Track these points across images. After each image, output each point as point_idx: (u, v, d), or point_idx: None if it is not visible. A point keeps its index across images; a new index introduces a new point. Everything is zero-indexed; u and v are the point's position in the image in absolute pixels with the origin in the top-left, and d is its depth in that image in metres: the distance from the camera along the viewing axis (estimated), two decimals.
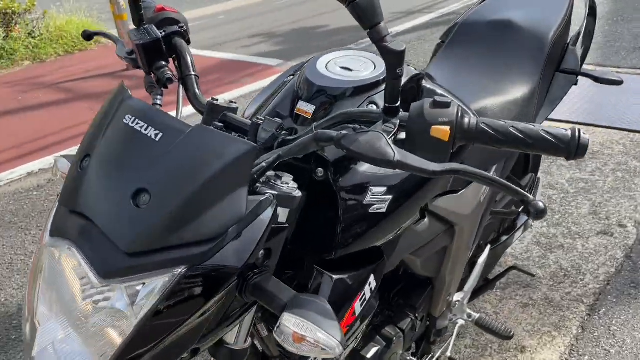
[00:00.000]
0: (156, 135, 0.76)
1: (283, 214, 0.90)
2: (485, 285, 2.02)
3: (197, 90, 1.02)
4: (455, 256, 1.53)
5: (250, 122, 0.92)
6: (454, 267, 1.55)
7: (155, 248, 0.73)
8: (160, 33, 1.04)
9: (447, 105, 0.80)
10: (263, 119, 0.91)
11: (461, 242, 1.51)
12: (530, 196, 0.74)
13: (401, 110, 0.84)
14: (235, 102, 1.00)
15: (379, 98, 1.08)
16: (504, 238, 1.97)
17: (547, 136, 0.78)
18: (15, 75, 5.88)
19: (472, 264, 1.82)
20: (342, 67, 1.12)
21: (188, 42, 1.09)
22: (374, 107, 1.07)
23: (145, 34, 0.98)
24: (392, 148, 0.78)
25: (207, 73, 5.36)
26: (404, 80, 1.13)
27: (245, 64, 5.58)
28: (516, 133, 0.79)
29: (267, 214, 0.80)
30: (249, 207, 0.78)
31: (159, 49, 0.99)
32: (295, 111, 1.08)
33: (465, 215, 1.46)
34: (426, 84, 1.17)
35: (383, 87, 1.09)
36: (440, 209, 1.35)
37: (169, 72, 0.99)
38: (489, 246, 1.82)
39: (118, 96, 0.84)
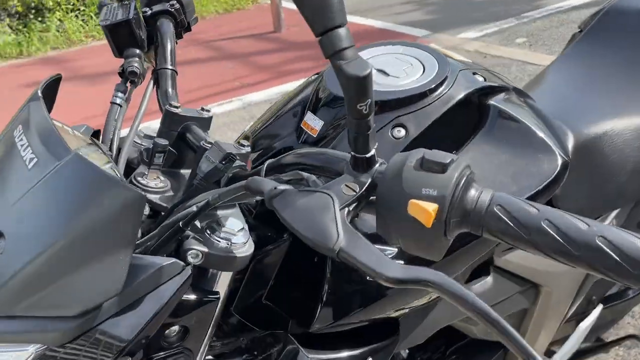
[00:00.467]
0: (31, 160, 0.57)
1: (225, 278, 0.67)
2: (597, 347, 1.59)
3: (169, 89, 0.80)
4: (539, 321, 1.16)
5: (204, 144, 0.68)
6: (536, 333, 1.19)
7: (8, 314, 0.55)
8: (146, 11, 0.84)
9: (442, 167, 0.49)
10: (211, 143, 0.67)
11: (549, 306, 1.14)
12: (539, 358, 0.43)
13: (380, 161, 0.55)
14: (209, 110, 0.77)
15: (413, 119, 0.77)
16: (631, 293, 1.51)
17: (605, 248, 0.44)
18: None
19: (577, 321, 1.41)
20: (378, 70, 0.83)
21: (180, 25, 0.87)
22: (402, 131, 0.77)
23: (117, 12, 0.78)
24: (337, 226, 0.50)
25: None
26: (465, 91, 0.80)
27: (391, 32, 5.25)
28: (551, 232, 0.46)
29: (172, 285, 0.58)
30: (142, 273, 0.56)
31: (130, 32, 0.79)
32: (301, 125, 0.82)
33: (559, 273, 1.09)
34: (497, 102, 0.83)
35: (424, 102, 0.79)
36: (515, 266, 1.01)
37: (135, 64, 0.79)
38: (601, 305, 1.40)
39: (31, 96, 0.66)
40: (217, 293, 0.64)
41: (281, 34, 5.68)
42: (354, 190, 0.52)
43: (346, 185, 0.53)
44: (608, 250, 0.44)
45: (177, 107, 0.73)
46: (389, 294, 0.76)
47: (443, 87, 0.79)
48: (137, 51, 0.80)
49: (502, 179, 0.79)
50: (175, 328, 0.62)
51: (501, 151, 0.80)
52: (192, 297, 0.62)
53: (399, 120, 0.77)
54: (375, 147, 0.54)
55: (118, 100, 0.77)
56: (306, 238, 0.50)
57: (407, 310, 0.84)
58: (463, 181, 0.49)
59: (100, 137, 0.76)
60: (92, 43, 6.24)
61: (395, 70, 0.83)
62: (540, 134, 0.82)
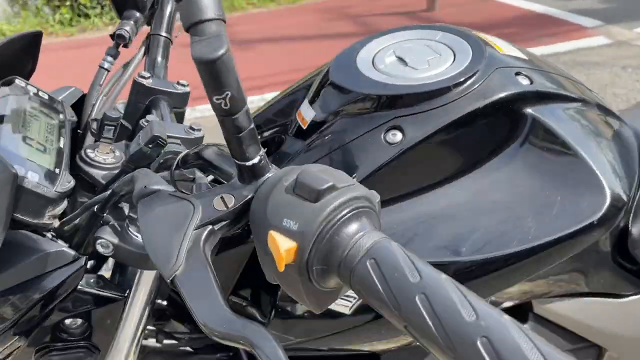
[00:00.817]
0: None
1: (147, 276, 0.60)
2: None
3: (158, 58, 0.73)
4: None
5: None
6: None
7: None
8: None
9: (314, 194, 0.36)
10: (148, 121, 0.59)
11: None
12: None
13: (272, 172, 0.42)
14: (186, 85, 0.69)
15: (415, 122, 0.63)
16: None
17: (486, 356, 0.29)
18: (331, 3, 6.20)
19: None
20: (398, 58, 0.69)
21: None
22: (398, 135, 0.63)
23: None
24: (181, 247, 0.39)
25: (504, 25, 4.73)
26: (494, 95, 0.64)
27: (555, 19, 4.73)
28: (423, 314, 0.32)
29: (59, 274, 0.52)
30: (26, 256, 0.51)
31: None
32: (296, 114, 0.71)
33: (632, 338, 0.86)
34: (537, 111, 0.64)
35: (434, 102, 0.64)
36: (563, 318, 0.81)
37: (126, 27, 0.73)
38: None
39: None
40: (124, 292, 0.57)
41: (433, 14, 5.42)
42: (227, 206, 0.41)
43: (222, 197, 0.42)
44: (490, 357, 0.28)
45: (146, 78, 0.67)
46: (349, 331, 0.63)
47: (465, 86, 0.63)
48: (137, 14, 0.75)
49: (522, 211, 0.61)
50: (77, 321, 0.57)
51: (530, 176, 0.62)
52: (94, 291, 0.56)
53: (397, 121, 0.62)
54: (262, 153, 0.42)
55: (106, 65, 0.73)
56: (149, 254, 0.40)
57: (391, 346, 0.70)
58: (339, 217, 0.36)
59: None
60: (251, 10, 6.51)
61: (417, 60, 0.68)
62: (591, 162, 0.61)
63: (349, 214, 0.37)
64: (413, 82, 0.64)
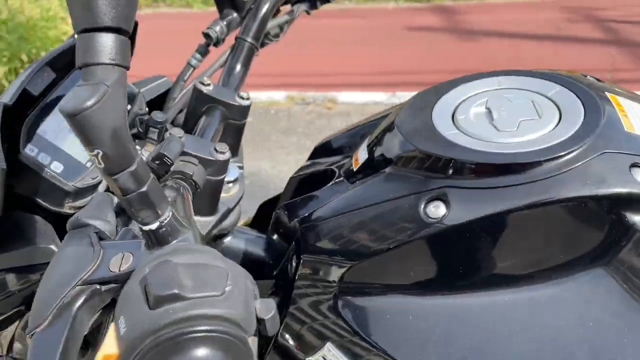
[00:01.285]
0: None
1: None
2: None
3: (238, 65, 0.68)
4: None
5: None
6: None
7: None
8: None
9: (154, 300, 0.29)
10: (170, 134, 0.55)
11: None
12: None
13: (182, 236, 0.35)
14: (247, 98, 0.63)
15: (467, 197, 0.51)
16: None
17: None
18: (581, 2, 5.56)
19: None
20: (488, 110, 0.56)
21: None
22: (442, 208, 0.50)
23: None
24: (55, 303, 0.35)
25: None
26: (586, 188, 0.48)
27: None
28: None
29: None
30: (19, 246, 0.54)
31: None
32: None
33: None
34: None
35: (500, 180, 0.51)
36: None
37: (216, 27, 0.69)
38: None
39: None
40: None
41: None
42: (120, 268, 0.36)
43: (124, 255, 0.36)
44: None
45: (205, 85, 0.63)
46: None
47: (548, 167, 0.47)
48: (234, 14, 0.72)
49: (574, 351, 0.45)
50: None
51: (605, 308, 0.45)
52: None
53: (445, 191, 0.50)
54: (163, 219, 0.35)
55: (193, 62, 0.71)
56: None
57: None
58: (174, 336, 0.28)
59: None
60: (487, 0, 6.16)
61: (506, 117, 0.53)
62: None
63: (191, 336, 0.29)
64: (482, 146, 0.51)
